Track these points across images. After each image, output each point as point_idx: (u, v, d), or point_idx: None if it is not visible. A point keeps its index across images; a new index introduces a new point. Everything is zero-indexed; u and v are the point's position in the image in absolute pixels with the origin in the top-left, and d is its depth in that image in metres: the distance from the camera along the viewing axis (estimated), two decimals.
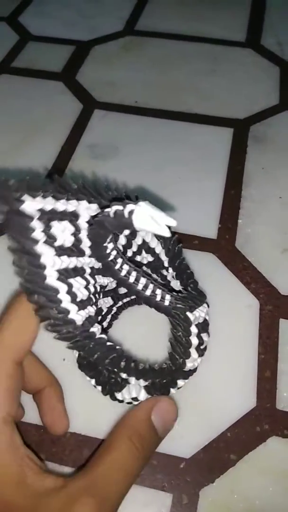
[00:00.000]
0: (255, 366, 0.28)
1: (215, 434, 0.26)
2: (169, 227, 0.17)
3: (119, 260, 0.21)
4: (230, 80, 0.48)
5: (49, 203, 0.18)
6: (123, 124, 0.44)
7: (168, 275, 0.25)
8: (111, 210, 0.18)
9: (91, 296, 0.21)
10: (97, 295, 0.23)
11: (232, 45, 0.53)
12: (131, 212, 0.17)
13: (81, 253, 0.20)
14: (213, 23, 0.56)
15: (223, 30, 0.55)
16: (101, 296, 0.26)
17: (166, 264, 0.25)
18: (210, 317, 0.30)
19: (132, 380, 0.22)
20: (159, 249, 0.24)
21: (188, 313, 0.22)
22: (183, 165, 0.40)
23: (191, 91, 0.47)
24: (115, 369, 0.21)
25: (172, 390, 0.23)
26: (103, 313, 0.28)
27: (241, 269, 0.33)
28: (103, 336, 0.20)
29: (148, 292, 0.22)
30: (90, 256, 0.21)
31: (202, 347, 0.23)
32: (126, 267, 0.22)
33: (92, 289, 0.21)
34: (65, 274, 0.19)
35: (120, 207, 0.17)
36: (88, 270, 0.21)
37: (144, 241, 0.24)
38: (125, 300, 0.29)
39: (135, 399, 0.23)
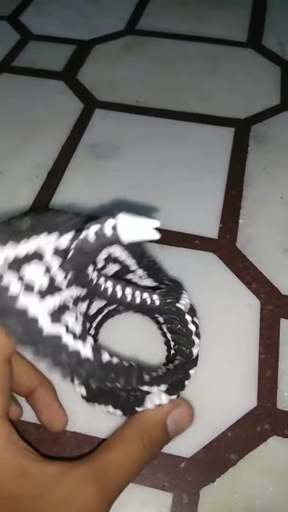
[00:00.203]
0: (256, 366, 0.28)
1: (216, 433, 0.26)
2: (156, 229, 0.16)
3: (102, 280, 0.21)
4: (231, 80, 0.48)
5: (11, 250, 0.17)
6: (124, 123, 0.44)
7: (134, 277, 0.25)
8: (89, 232, 0.17)
9: (84, 325, 0.20)
10: (86, 323, 0.23)
11: (233, 45, 0.53)
12: (114, 227, 0.16)
13: (59, 289, 0.19)
14: (214, 23, 0.56)
15: (224, 30, 0.55)
16: (86, 321, 0.26)
17: (133, 268, 0.24)
18: (210, 317, 0.30)
19: (154, 389, 0.22)
20: (123, 256, 0.23)
21: (178, 305, 0.22)
22: (184, 164, 0.40)
23: (192, 91, 0.47)
24: (138, 386, 0.20)
25: (186, 382, 0.23)
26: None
27: (242, 269, 0.33)
28: (113, 358, 0.20)
29: (138, 300, 0.22)
30: (68, 286, 0.19)
31: (198, 330, 0.23)
32: (109, 284, 0.21)
33: (81, 318, 0.20)
34: (57, 315, 0.18)
35: (97, 226, 0.16)
36: (71, 301, 0.20)
37: (109, 254, 0.23)
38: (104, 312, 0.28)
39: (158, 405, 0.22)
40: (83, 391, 0.22)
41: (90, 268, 0.20)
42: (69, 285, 0.19)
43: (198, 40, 0.53)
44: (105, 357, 0.19)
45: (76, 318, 0.19)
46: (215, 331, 0.29)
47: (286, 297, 0.31)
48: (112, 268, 0.24)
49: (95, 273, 0.20)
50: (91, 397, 0.23)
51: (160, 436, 0.21)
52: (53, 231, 0.18)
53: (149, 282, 0.25)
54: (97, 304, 0.26)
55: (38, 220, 0.18)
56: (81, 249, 0.17)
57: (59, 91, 0.47)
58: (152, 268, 0.25)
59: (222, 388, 0.27)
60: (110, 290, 0.21)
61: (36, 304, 0.17)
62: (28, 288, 0.17)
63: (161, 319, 0.27)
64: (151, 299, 0.22)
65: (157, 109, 0.45)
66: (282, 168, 0.39)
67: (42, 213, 0.19)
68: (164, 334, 0.28)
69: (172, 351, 0.27)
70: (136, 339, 0.29)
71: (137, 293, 0.22)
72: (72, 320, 0.19)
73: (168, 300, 0.22)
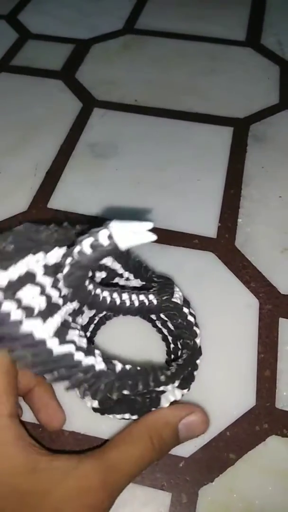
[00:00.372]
0: (255, 365, 0.28)
1: (215, 433, 0.26)
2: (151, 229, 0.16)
3: (98, 291, 0.20)
4: (230, 79, 0.48)
5: (2, 276, 0.16)
6: (123, 123, 0.43)
7: (121, 280, 0.25)
8: (83, 246, 0.16)
9: (86, 338, 0.20)
10: (86, 334, 0.23)
11: (232, 44, 0.53)
12: (110, 236, 0.16)
13: (58, 306, 0.19)
14: (213, 22, 0.56)
15: (223, 29, 0.55)
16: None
17: (120, 271, 0.24)
18: (209, 316, 0.30)
19: (169, 387, 0.22)
20: (110, 261, 0.23)
21: (173, 299, 0.23)
22: (183, 164, 0.40)
23: (191, 90, 0.47)
24: (155, 388, 0.21)
25: (195, 373, 0.24)
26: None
27: (240, 268, 0.33)
28: (126, 366, 0.20)
29: (136, 303, 0.22)
30: (66, 302, 0.19)
31: (196, 320, 0.24)
32: (106, 294, 0.21)
33: (82, 332, 0.20)
34: (62, 334, 0.18)
35: (91, 239, 0.16)
36: (70, 317, 0.20)
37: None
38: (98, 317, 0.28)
39: (174, 402, 0.22)
40: (95, 404, 0.22)
41: (87, 281, 0.20)
42: (68, 301, 0.19)
43: (197, 39, 0.53)
44: (118, 366, 0.19)
45: (79, 332, 0.19)
46: (214, 330, 0.29)
47: (285, 297, 0.31)
48: (100, 276, 0.24)
49: (91, 285, 0.20)
50: (107, 409, 0.22)
51: (170, 437, 0.21)
52: (39, 250, 0.18)
53: (137, 283, 0.25)
54: (87, 314, 0.26)
55: (20, 241, 0.18)
56: (78, 263, 0.17)
57: (57, 91, 0.47)
58: (139, 268, 0.25)
59: (221, 388, 0.27)
60: (108, 299, 0.21)
61: (40, 327, 0.17)
62: (29, 311, 0.17)
63: (154, 317, 0.27)
64: (148, 300, 0.22)
65: (156, 109, 0.45)
66: (281, 167, 0.39)
67: (22, 231, 0.19)
68: (160, 331, 0.28)
69: (172, 345, 0.27)
70: (131, 340, 0.29)
71: (134, 296, 0.22)
72: (76, 335, 0.19)
73: (164, 297, 0.23)
